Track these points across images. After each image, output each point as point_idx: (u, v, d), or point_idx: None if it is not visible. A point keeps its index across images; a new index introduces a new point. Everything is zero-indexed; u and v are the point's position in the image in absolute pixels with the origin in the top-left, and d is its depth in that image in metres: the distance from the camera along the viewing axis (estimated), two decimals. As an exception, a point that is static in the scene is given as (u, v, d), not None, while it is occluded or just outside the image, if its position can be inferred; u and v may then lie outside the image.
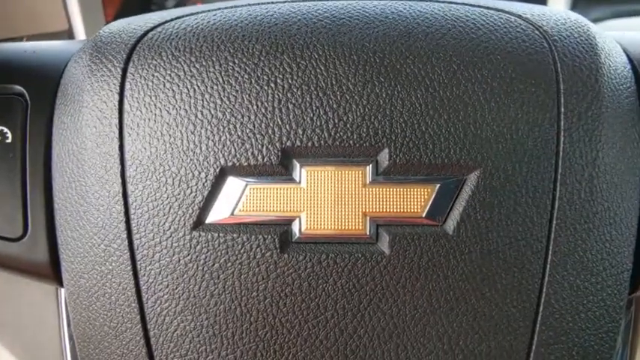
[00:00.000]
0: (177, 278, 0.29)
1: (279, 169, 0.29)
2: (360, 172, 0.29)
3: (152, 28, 0.32)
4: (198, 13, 0.33)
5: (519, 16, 0.30)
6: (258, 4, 0.33)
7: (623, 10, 0.92)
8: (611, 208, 0.28)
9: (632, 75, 0.31)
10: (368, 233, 0.28)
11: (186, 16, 0.33)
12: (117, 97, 0.30)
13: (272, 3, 0.33)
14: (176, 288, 0.29)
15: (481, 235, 0.28)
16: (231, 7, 0.33)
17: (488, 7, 0.31)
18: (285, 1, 0.33)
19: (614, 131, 0.28)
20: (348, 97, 0.28)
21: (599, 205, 0.28)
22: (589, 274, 0.28)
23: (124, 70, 0.30)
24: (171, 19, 0.33)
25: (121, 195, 0.29)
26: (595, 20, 0.92)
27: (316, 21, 0.30)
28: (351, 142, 0.28)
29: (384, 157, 0.28)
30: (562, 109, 0.28)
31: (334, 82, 0.29)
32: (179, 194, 0.29)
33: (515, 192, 0.28)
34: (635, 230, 0.29)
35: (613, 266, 0.28)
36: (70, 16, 0.87)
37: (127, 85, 0.30)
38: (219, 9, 0.33)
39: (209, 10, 0.33)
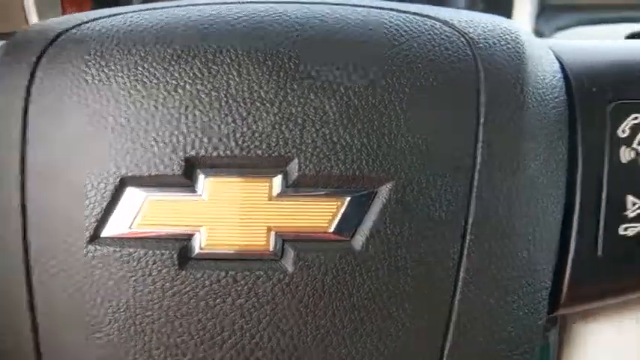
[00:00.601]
0: (72, 295, 0.27)
1: (182, 180, 0.27)
2: (267, 183, 0.27)
3: (67, 30, 0.30)
4: (120, 14, 0.31)
5: (445, 22, 0.29)
6: (180, 5, 0.31)
7: (589, 18, 0.92)
8: (530, 224, 0.27)
9: (562, 84, 0.30)
10: (272, 249, 0.27)
11: (107, 17, 0.31)
12: (22, 103, 0.28)
13: (195, 5, 0.31)
14: (70, 305, 0.27)
15: (390, 251, 0.26)
16: (160, 8, 0.31)
17: (414, 13, 0.30)
18: (208, 3, 0.31)
19: (538, 143, 0.27)
20: (259, 105, 0.27)
21: (517, 220, 0.27)
22: (504, 293, 0.27)
23: (32, 75, 0.29)
24: (91, 20, 0.31)
25: (20, 207, 0.28)
26: (561, 28, 0.92)
27: (234, 24, 0.29)
28: (259, 152, 0.27)
29: (293, 168, 0.27)
30: (482, 120, 0.27)
31: (246, 89, 0.27)
32: (78, 206, 0.27)
33: (428, 206, 0.26)
34: (557, 246, 0.28)
35: (530, 285, 0.27)
36: (27, 16, 0.85)
37: (34, 91, 0.28)
38: (147, 9, 0.32)
39: (134, 11, 0.32)
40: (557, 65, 0.30)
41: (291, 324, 0.26)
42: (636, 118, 0.28)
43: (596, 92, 0.29)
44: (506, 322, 0.27)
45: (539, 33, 0.91)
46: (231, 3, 0.31)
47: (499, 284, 0.26)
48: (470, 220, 0.26)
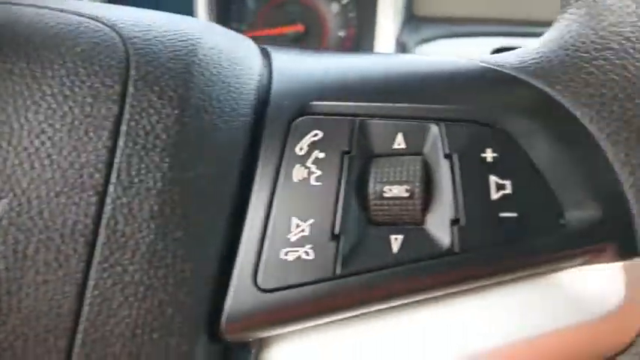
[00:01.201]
0: None
1: None
2: None
3: None
4: None
5: (95, 19, 0.25)
6: None
7: (457, 31, 0.92)
8: (176, 241, 0.23)
9: (254, 97, 0.26)
10: None
11: None
12: None
13: None
14: None
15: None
16: None
17: (56, 9, 0.26)
18: None
19: (195, 158, 0.24)
20: None
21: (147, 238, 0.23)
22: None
23: None
24: None
25: None
26: (426, 40, 0.91)
27: None
28: None
29: None
30: (123, 128, 0.23)
31: None
32: None
33: (48, 227, 0.22)
34: (217, 265, 0.24)
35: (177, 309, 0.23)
36: None
37: None
38: None
39: None
40: (255, 76, 0.27)
41: None
42: (316, 135, 0.25)
43: (286, 106, 0.26)
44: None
45: (402, 45, 0.90)
46: None
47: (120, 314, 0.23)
48: (98, 242, 0.22)
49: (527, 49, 0.26)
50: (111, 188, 0.23)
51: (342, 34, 0.99)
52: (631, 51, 0.23)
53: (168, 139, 0.23)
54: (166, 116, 0.24)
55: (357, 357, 0.25)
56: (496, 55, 0.26)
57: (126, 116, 0.23)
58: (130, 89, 0.23)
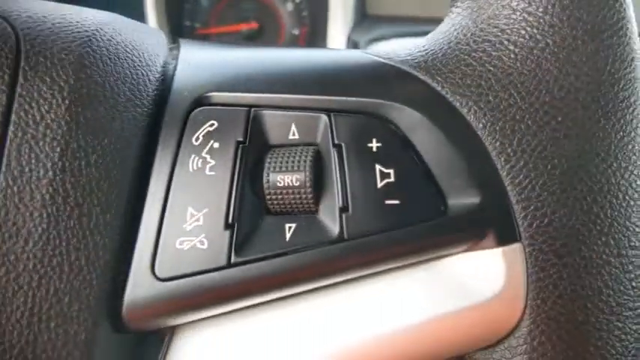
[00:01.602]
0: None
1: None
2: None
3: None
4: None
5: None
6: None
7: (405, 30, 0.93)
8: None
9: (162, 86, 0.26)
10: None
11: None
12: None
13: None
14: None
15: None
16: None
17: None
18: None
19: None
20: None
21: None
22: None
23: None
24: None
25: None
26: (376, 39, 0.92)
27: None
28: None
29: None
30: (13, 117, 0.23)
31: None
32: None
33: None
34: (114, 254, 0.24)
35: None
36: None
37: None
38: None
39: None
40: (157, 67, 0.27)
41: None
42: (212, 124, 0.26)
43: (185, 97, 0.26)
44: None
45: (354, 43, 0.90)
46: None
47: None
48: None
49: (418, 42, 0.27)
50: (1, 177, 0.23)
51: (295, 32, 1.00)
52: (505, 42, 0.24)
53: (58, 128, 0.23)
54: (57, 106, 0.24)
55: (267, 344, 0.25)
56: (390, 46, 0.27)
57: (15, 106, 0.23)
58: (20, 79, 0.23)
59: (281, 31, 1.01)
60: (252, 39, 1.00)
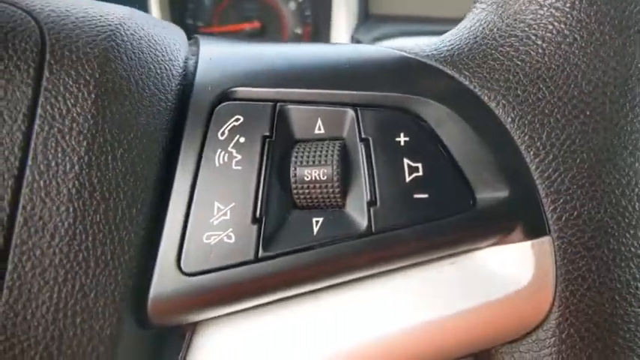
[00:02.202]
0: None
1: None
2: None
3: None
4: None
5: (13, 4, 0.25)
6: None
7: (408, 30, 0.93)
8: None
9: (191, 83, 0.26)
10: None
11: None
12: None
13: None
14: None
15: None
16: None
17: None
18: None
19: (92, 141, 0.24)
20: None
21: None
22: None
23: None
24: None
25: None
26: (379, 38, 0.92)
27: None
28: None
29: None
30: (39, 111, 0.23)
31: None
32: None
33: None
34: (140, 249, 0.24)
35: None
36: None
37: None
38: None
39: None
40: (179, 62, 0.27)
41: None
42: (238, 119, 0.26)
43: (209, 92, 0.26)
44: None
45: (357, 42, 0.91)
46: None
47: None
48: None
49: (443, 37, 0.27)
50: (27, 171, 0.23)
51: (298, 31, 1.00)
52: (533, 38, 0.24)
53: (84, 122, 0.23)
54: (83, 100, 0.23)
55: (291, 341, 0.25)
56: (415, 43, 0.27)
57: (41, 99, 0.23)
58: (46, 73, 0.23)
59: (283, 30, 1.01)
60: (255, 38, 1.00)
